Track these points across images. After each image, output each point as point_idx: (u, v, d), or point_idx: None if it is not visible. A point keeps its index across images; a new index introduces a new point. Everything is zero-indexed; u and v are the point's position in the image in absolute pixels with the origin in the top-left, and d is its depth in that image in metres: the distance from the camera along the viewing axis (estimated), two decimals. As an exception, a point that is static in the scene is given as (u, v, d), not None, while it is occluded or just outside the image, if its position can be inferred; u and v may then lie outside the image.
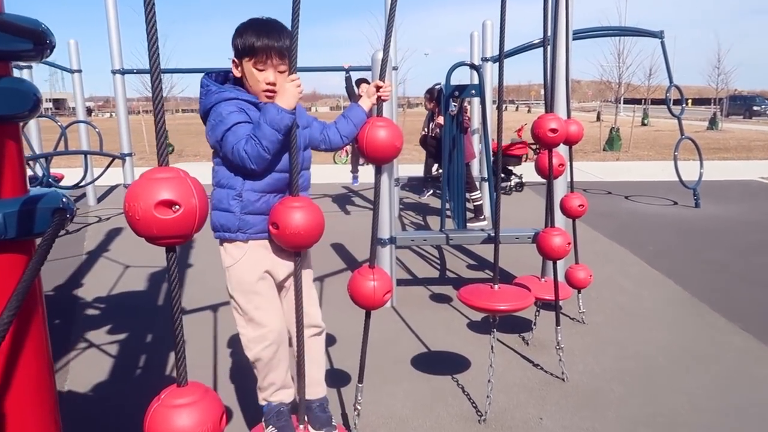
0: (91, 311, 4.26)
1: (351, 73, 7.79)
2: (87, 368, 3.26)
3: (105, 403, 2.90)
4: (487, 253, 5.39)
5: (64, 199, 1.22)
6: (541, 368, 3.17)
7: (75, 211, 1.24)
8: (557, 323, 3.06)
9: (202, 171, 10.62)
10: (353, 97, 8.28)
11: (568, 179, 3.82)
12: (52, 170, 7.38)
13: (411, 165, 11.86)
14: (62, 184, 7.26)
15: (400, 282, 4.53)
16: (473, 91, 3.93)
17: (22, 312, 1.20)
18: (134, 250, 5.99)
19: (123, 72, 7.42)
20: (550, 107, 2.83)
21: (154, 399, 1.26)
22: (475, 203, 6.81)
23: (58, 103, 72.09)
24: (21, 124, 1.18)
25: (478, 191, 6.98)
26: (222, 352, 3.46)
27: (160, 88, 1.20)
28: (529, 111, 55.57)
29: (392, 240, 4.11)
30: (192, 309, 4.18)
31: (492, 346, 2.59)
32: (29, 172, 7.28)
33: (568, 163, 3.64)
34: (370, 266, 2.09)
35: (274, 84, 1.91)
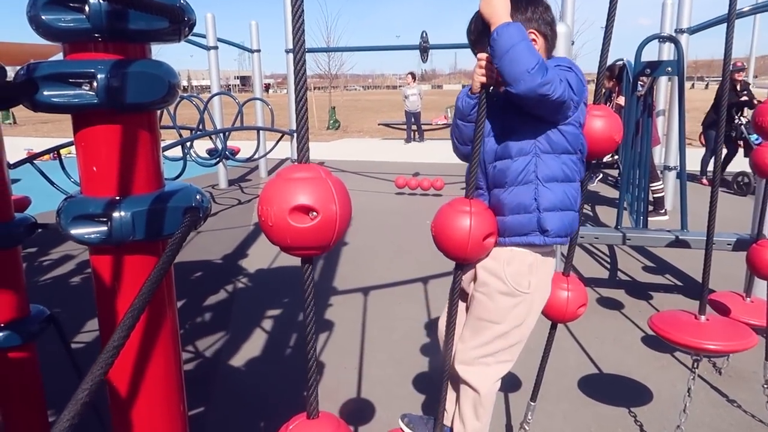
0: (249, 284, 4.44)
1: None
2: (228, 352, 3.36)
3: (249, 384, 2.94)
4: (669, 255, 4.71)
5: (198, 196, 1.10)
6: (739, 407, 2.62)
7: (209, 209, 1.12)
8: (767, 356, 2.48)
9: (363, 147, 10.87)
10: None
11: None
12: (231, 144, 7.94)
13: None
14: (238, 157, 7.78)
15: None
16: (669, 69, 3.35)
17: (151, 311, 1.12)
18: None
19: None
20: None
21: (282, 428, 1.11)
22: (656, 195, 6.03)
23: (245, 80, 79.12)
24: (157, 111, 1.08)
25: (660, 181, 6.18)
26: (349, 374, 3.37)
27: (303, 69, 1.02)
28: (721, 89, 49.21)
29: (558, 235, 3.70)
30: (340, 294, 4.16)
31: (689, 389, 2.13)
32: (210, 145, 7.90)
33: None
34: (564, 273, 1.78)
35: None
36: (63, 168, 5.58)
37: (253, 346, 3.31)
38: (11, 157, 5.88)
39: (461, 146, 1.70)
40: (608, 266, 4.67)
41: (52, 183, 5.37)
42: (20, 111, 30.18)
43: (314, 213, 0.98)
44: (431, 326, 3.48)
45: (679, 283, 4.26)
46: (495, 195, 1.61)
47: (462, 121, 1.64)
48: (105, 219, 0.96)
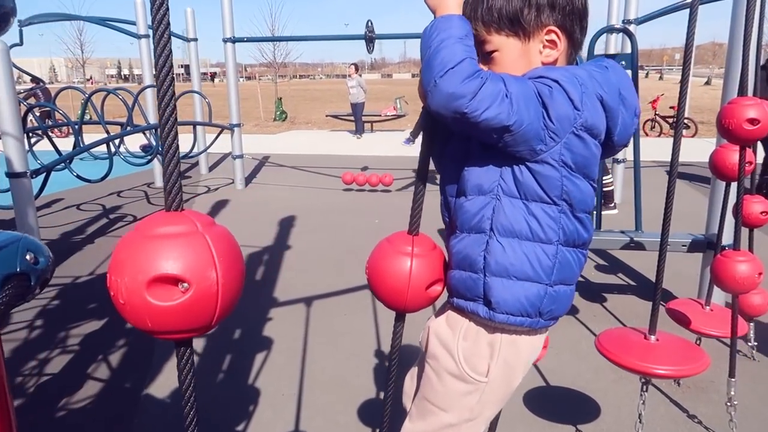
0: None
1: None
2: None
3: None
4: (622, 253, 4.62)
5: (29, 256, 0.79)
6: (700, 422, 2.48)
7: (48, 271, 0.82)
8: (731, 373, 2.34)
9: (311, 139, 10.59)
10: None
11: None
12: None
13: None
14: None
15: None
16: (623, 62, 3.19)
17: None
18: (238, 225, 5.84)
19: (234, 40, 7.25)
20: (742, 89, 2.06)
21: None
22: (606, 188, 5.97)
23: (188, 69, 76.61)
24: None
25: (610, 175, 6.12)
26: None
27: (168, 57, 0.74)
28: (660, 78, 51.05)
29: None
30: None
31: (640, 415, 1.97)
32: (144, 141, 7.40)
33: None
34: (410, 232, 1.34)
35: None
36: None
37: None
38: None
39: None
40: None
41: (-43, 187, 4.84)
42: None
43: (185, 284, 0.70)
44: (380, 340, 3.24)
45: (633, 283, 4.16)
46: (448, 239, 1.28)
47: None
48: None
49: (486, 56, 1.17)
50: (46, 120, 10.87)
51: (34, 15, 7.16)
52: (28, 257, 0.77)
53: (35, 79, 12.79)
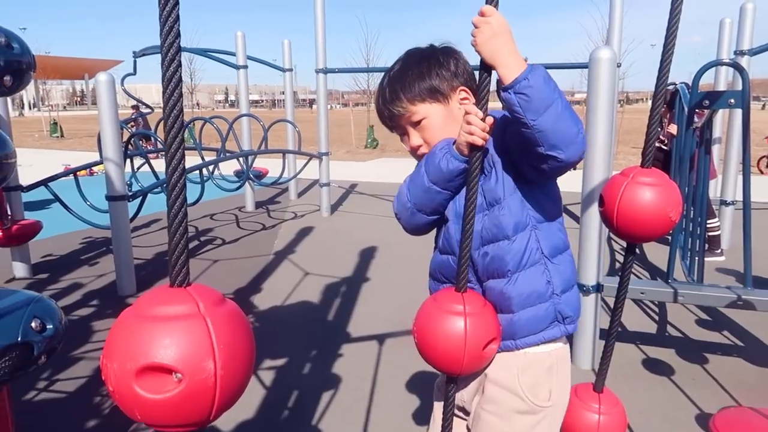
0: (257, 324, 4.11)
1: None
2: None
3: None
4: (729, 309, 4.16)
5: (34, 323, 0.75)
6: None
7: (58, 338, 0.78)
8: None
9: (401, 167, 10.60)
10: None
11: None
12: (259, 165, 7.72)
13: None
14: (263, 180, 7.54)
15: (603, 334, 3.61)
16: (732, 101, 2.87)
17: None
18: (319, 253, 5.88)
19: (326, 71, 7.42)
20: None
21: None
22: (711, 233, 5.45)
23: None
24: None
25: (716, 218, 5.61)
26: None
27: (177, 85, 0.67)
28: (779, 109, 47.19)
29: (598, 288, 3.24)
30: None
31: None
32: (237, 167, 7.69)
33: None
34: (596, 389, 1.38)
35: (417, 147, 1.40)
36: (79, 189, 5.43)
37: (244, 401, 2.97)
38: (51, 170, 5.59)
39: (420, 215, 1.39)
40: (656, 318, 4.14)
41: (66, 207, 5.22)
42: (67, 124, 31.21)
43: (178, 375, 0.62)
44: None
45: (740, 343, 3.71)
46: (493, 288, 1.27)
47: (438, 187, 1.31)
48: None
49: (415, 125, 1.37)
50: (146, 145, 11.89)
51: (146, 47, 7.71)
52: (33, 325, 0.73)
53: (136, 107, 14.34)
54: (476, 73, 1.26)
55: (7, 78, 0.69)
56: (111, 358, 0.63)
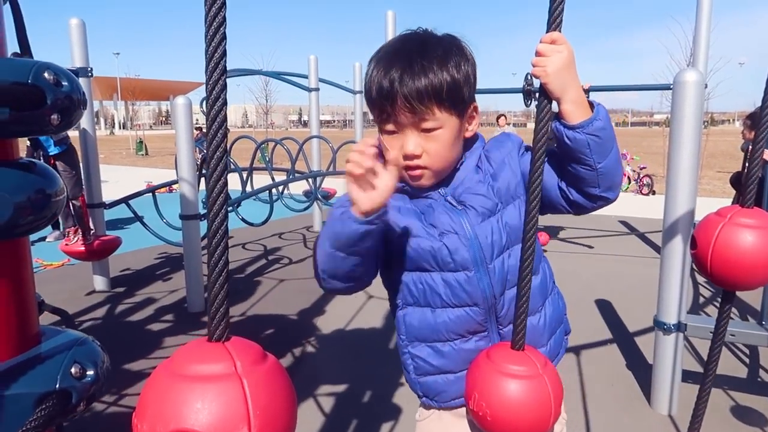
0: (318, 347, 4.09)
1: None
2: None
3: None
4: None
5: (74, 369, 0.72)
6: None
7: (98, 389, 0.74)
8: None
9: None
10: None
11: None
12: (328, 185, 7.81)
13: (709, 198, 9.75)
14: (332, 200, 7.60)
15: (686, 376, 3.34)
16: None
17: None
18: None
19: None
20: None
21: None
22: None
23: (366, 115, 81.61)
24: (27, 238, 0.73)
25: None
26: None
27: (222, 107, 0.63)
28: None
29: (680, 327, 2.99)
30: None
31: None
32: (306, 187, 7.81)
33: None
34: None
35: (416, 156, 1.12)
36: (156, 206, 5.66)
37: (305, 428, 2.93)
38: (135, 187, 5.86)
39: (335, 282, 1.14)
40: (746, 362, 3.80)
41: (143, 224, 5.44)
42: (152, 142, 32.98)
43: (210, 441, 0.57)
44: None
45: None
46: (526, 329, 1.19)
47: (342, 253, 1.06)
48: None
49: (423, 131, 1.12)
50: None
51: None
52: (73, 370, 0.70)
53: (199, 128, 15.88)
54: None
55: (54, 116, 0.68)
56: (142, 418, 0.58)
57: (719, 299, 4.34)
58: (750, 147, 4.17)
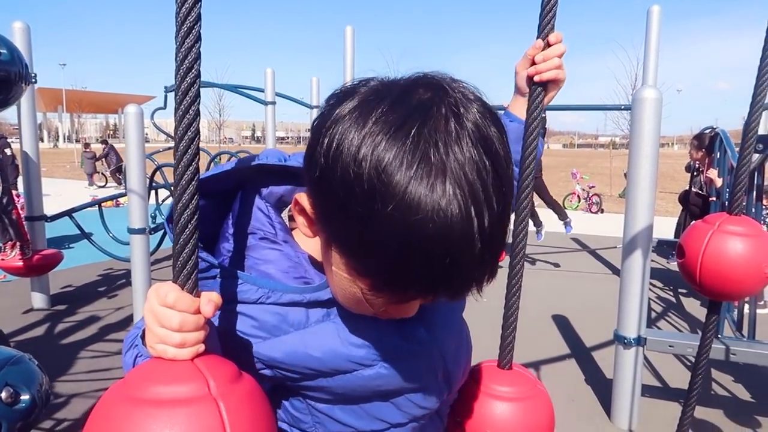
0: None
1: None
2: None
3: None
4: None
5: (3, 395, 0.61)
6: None
7: (34, 416, 0.64)
8: None
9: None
10: None
11: None
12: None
13: (659, 218, 10.02)
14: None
15: (645, 391, 3.37)
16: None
17: None
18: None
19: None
20: None
21: None
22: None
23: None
24: None
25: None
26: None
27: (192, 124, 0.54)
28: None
29: (640, 341, 3.01)
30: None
31: None
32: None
33: None
34: None
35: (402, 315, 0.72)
36: (102, 220, 5.40)
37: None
38: (78, 201, 5.53)
39: None
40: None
41: (87, 237, 5.17)
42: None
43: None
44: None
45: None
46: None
47: None
48: None
49: None
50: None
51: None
52: (3, 395, 0.59)
53: (105, 141, 18.12)
54: None
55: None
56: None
57: (671, 313, 4.43)
58: (696, 165, 4.30)
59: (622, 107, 5.95)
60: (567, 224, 7.54)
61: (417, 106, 0.55)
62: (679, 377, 3.77)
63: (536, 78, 0.89)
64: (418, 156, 0.52)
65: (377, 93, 0.59)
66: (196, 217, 0.55)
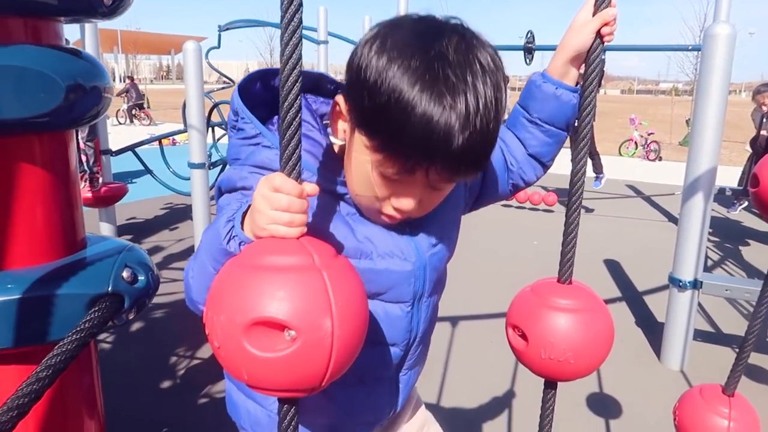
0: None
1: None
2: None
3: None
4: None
5: (126, 273, 0.69)
6: None
7: (149, 296, 0.71)
8: None
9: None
10: None
11: None
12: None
13: (722, 167, 9.62)
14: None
15: (698, 334, 3.36)
16: None
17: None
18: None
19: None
20: None
21: None
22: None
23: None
24: (69, 132, 0.69)
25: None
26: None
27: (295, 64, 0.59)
28: None
29: (696, 284, 2.99)
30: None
31: None
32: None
33: None
34: (725, 391, 1.22)
35: (407, 212, 0.81)
36: (163, 155, 5.61)
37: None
38: (138, 139, 5.69)
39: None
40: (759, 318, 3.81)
41: (150, 171, 5.40)
42: (153, 97, 32.59)
43: (291, 332, 0.54)
44: (516, 375, 2.93)
45: None
46: (421, 359, 1.07)
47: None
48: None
49: (434, 189, 0.81)
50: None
51: (231, 21, 7.82)
52: (124, 274, 0.67)
53: (131, 78, 18.97)
54: None
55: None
56: (218, 310, 0.55)
57: (728, 263, 4.33)
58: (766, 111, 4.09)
59: (690, 47, 5.64)
60: (599, 179, 7.46)
61: (436, 32, 0.73)
62: (732, 323, 3.73)
63: (606, 39, 0.89)
64: (430, 71, 0.69)
65: (409, 24, 0.75)
66: (299, 116, 0.59)
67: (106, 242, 0.76)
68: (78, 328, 0.61)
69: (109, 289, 0.66)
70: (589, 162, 7.65)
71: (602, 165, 7.53)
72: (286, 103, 0.58)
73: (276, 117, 0.90)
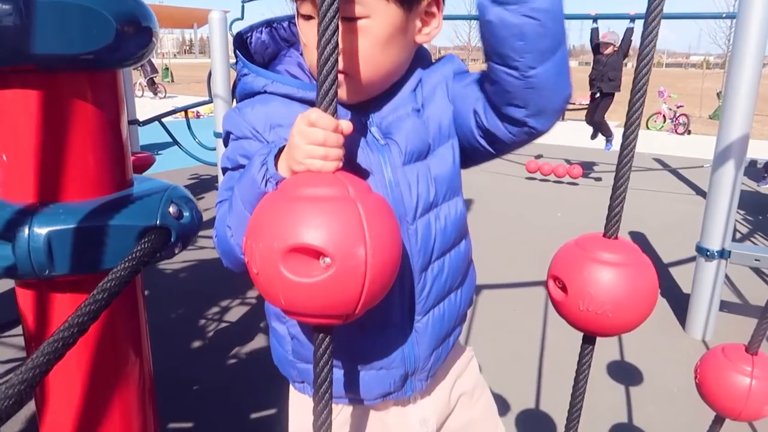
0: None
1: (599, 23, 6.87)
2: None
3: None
4: None
5: (172, 208, 0.72)
6: None
7: (194, 226, 0.75)
8: None
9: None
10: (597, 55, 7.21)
11: None
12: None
13: (754, 141, 9.38)
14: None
15: (723, 305, 3.33)
16: None
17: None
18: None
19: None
20: None
21: None
22: None
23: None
24: (119, 71, 0.71)
25: None
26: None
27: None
28: None
29: (723, 254, 2.96)
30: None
31: None
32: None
33: None
34: (749, 350, 1.22)
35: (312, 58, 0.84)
36: (188, 126, 5.67)
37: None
38: (164, 110, 5.74)
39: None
40: (780, 292, 3.77)
41: (176, 142, 5.48)
42: (176, 71, 32.76)
43: (326, 260, 0.57)
44: (545, 344, 2.95)
45: None
46: (444, 310, 0.98)
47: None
48: (10, 239, 0.62)
49: (346, 20, 0.76)
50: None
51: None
52: (171, 210, 0.71)
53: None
54: None
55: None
56: (256, 238, 0.58)
57: (757, 236, 4.28)
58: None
59: (724, 14, 5.49)
60: (609, 141, 7.59)
61: None
62: (759, 295, 3.69)
63: None
64: None
65: None
66: (335, 53, 0.60)
67: (151, 181, 0.80)
68: (130, 256, 0.65)
69: (158, 222, 0.70)
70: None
71: (612, 132, 7.68)
72: (323, 40, 0.60)
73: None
